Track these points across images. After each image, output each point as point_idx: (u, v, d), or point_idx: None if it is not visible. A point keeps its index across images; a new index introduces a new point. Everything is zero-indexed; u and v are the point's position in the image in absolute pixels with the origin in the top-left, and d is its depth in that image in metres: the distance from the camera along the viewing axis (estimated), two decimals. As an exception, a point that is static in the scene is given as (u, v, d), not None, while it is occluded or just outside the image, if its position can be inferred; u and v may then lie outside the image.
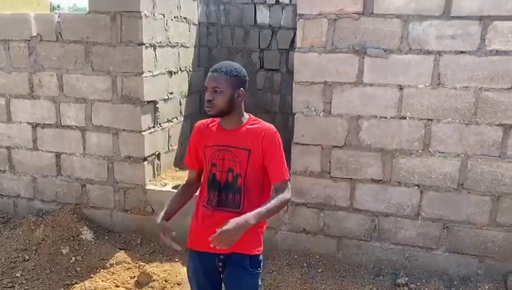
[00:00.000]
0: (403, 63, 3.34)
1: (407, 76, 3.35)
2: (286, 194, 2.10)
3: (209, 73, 2.09)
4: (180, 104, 4.86)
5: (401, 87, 3.38)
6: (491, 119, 3.26)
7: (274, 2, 5.74)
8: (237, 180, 2.12)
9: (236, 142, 2.12)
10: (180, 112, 4.88)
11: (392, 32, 3.32)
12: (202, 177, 2.28)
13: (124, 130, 4.01)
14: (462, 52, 3.23)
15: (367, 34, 3.37)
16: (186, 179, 2.40)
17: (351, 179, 3.61)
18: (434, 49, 3.27)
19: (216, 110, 2.06)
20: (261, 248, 2.22)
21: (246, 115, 2.18)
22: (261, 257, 2.23)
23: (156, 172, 4.30)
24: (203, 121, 2.27)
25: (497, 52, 3.17)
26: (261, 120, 2.21)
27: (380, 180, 3.55)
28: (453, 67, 3.25)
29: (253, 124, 2.16)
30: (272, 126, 2.17)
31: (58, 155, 4.24)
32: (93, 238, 4.02)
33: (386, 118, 3.46)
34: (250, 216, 1.93)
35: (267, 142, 2.11)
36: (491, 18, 3.14)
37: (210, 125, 2.22)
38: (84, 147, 4.15)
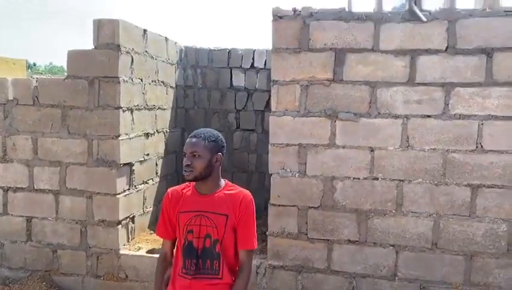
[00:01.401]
0: (373, 126, 3.48)
1: (377, 138, 3.48)
2: (249, 268, 2.17)
3: (187, 139, 2.15)
4: (156, 165, 4.87)
5: (372, 149, 3.50)
6: (459, 179, 3.38)
7: (249, 67, 5.97)
8: (215, 246, 2.11)
9: (214, 207, 2.12)
10: (156, 173, 4.87)
11: (361, 97, 3.49)
12: (175, 245, 2.24)
13: (99, 193, 3.97)
14: (428, 116, 3.40)
15: (338, 99, 3.53)
16: (161, 252, 2.30)
17: (328, 240, 3.62)
18: (402, 113, 3.43)
19: (194, 175, 2.09)
20: None
21: (223, 181, 2.22)
22: None
23: (130, 236, 4.21)
24: (175, 187, 2.27)
25: (461, 116, 3.35)
26: (237, 186, 2.24)
27: (356, 241, 3.58)
28: (421, 130, 3.41)
29: (230, 190, 2.19)
30: (248, 193, 2.21)
31: (29, 220, 4.13)
32: (63, 308, 3.84)
33: (359, 179, 3.54)
34: None
35: (243, 209, 2.14)
36: (453, 84, 3.35)
37: (184, 190, 2.21)
38: (57, 211, 4.06)
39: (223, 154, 2.17)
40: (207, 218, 2.11)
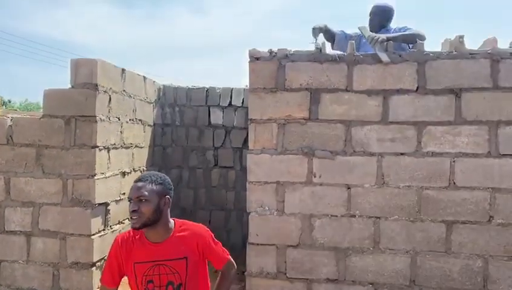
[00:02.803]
0: (348, 164, 3.54)
1: (353, 176, 3.53)
2: (231, 270, 2.32)
3: (132, 184, 2.07)
4: (133, 204, 4.79)
5: (348, 187, 3.54)
6: (434, 216, 3.43)
7: (227, 105, 6.05)
8: None
9: (171, 254, 2.07)
10: (133, 213, 4.78)
11: (336, 135, 3.56)
12: None
13: (73, 234, 3.87)
14: (401, 153, 3.48)
15: (314, 137, 3.58)
16: None
17: (307, 279, 3.58)
18: (376, 151, 3.50)
19: (142, 221, 1.99)
20: None
21: (172, 221, 2.15)
22: None
23: (105, 278, 4.09)
24: (125, 233, 2.16)
25: (433, 154, 3.44)
26: (187, 222, 2.21)
27: (335, 279, 3.55)
28: (395, 167, 3.48)
29: (182, 230, 2.14)
30: (201, 226, 2.21)
31: (-2, 263, 3.98)
32: None
33: (336, 216, 3.56)
34: None
35: (203, 244, 2.16)
36: (425, 123, 3.45)
37: (134, 237, 2.11)
38: (28, 254, 3.93)
39: (170, 197, 2.11)
40: (165, 266, 2.06)
